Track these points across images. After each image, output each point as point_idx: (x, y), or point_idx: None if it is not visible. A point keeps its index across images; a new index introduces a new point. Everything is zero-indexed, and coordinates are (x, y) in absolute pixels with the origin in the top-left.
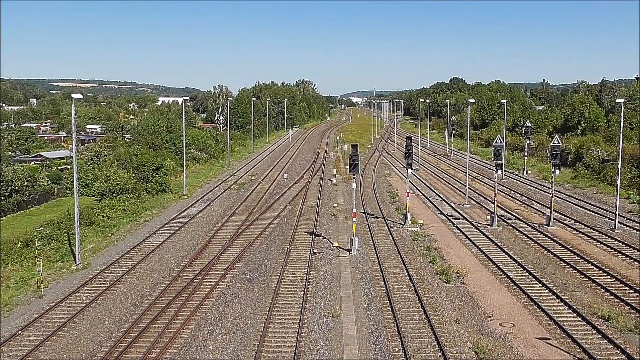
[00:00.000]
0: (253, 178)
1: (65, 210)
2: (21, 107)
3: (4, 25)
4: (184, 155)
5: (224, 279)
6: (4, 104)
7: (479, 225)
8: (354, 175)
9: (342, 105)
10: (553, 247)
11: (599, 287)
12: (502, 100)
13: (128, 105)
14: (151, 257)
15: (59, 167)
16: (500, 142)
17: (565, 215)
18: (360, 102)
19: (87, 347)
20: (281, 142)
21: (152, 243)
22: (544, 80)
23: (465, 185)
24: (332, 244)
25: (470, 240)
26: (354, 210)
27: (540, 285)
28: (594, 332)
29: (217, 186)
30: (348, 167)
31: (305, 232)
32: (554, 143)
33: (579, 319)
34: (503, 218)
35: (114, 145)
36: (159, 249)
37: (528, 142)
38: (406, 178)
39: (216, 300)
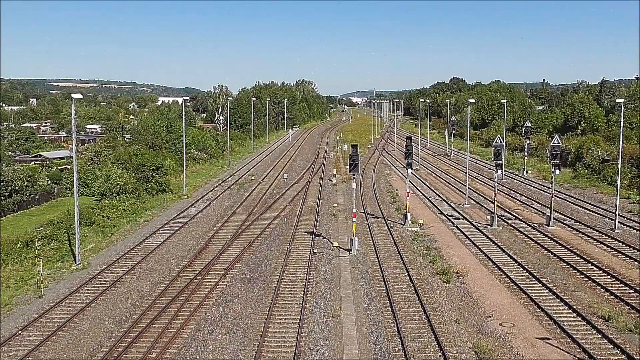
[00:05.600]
0: (253, 178)
1: (65, 210)
2: (21, 107)
3: (4, 25)
4: (184, 155)
5: (224, 279)
6: (4, 104)
7: (479, 225)
8: (354, 175)
9: (344, 106)
10: (553, 247)
11: (599, 287)
12: (502, 100)
13: (128, 105)
14: (151, 257)
15: (59, 167)
16: (500, 142)
17: (565, 215)
18: (360, 102)
19: (87, 347)
20: (281, 142)
21: (152, 243)
22: (544, 80)
23: (465, 185)
24: (332, 244)
25: (470, 240)
26: (354, 210)
27: (540, 285)
28: (594, 332)
29: (217, 186)
30: (348, 167)
31: (305, 232)
32: (554, 143)
33: (579, 319)
34: (503, 218)
35: (114, 145)
36: (159, 249)
37: (528, 142)
38: (406, 178)
39: (216, 300)
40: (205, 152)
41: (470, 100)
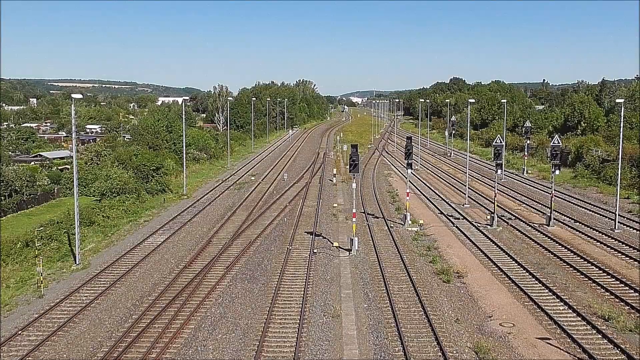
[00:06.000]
0: (253, 178)
1: (65, 210)
2: (21, 107)
3: (4, 25)
4: (184, 155)
5: (224, 279)
6: (4, 104)
7: (479, 225)
8: (354, 175)
9: (344, 106)
10: (553, 247)
11: (599, 287)
12: (502, 100)
13: (128, 105)
14: (151, 257)
15: (59, 167)
16: (500, 142)
17: (565, 215)
18: (360, 102)
19: (87, 347)
20: (281, 142)
21: (152, 243)
22: (544, 80)
23: (465, 185)
24: (332, 244)
25: (470, 240)
26: (354, 210)
27: (540, 285)
28: (594, 332)
29: (217, 186)
30: (348, 167)
31: (305, 232)
32: (554, 143)
33: (579, 319)
34: (503, 218)
35: (114, 145)
36: (159, 249)
37: (528, 142)
38: (406, 178)
39: (216, 300)
40: (205, 152)
41: (470, 100)
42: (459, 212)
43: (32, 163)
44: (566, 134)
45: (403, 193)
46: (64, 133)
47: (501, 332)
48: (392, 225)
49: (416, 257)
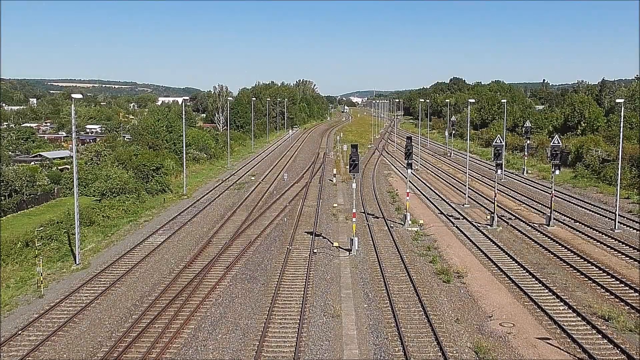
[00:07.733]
0: (253, 178)
1: (65, 210)
2: (21, 107)
3: (4, 25)
4: (184, 155)
5: (224, 279)
6: (4, 104)
7: (479, 225)
8: (353, 175)
9: (344, 106)
10: (553, 247)
11: (599, 287)
12: (502, 100)
13: (128, 105)
14: (151, 257)
15: (59, 167)
16: (500, 142)
17: (565, 215)
18: (360, 102)
19: (87, 347)
20: (281, 142)
21: (152, 243)
22: (544, 80)
23: (465, 185)
24: (332, 244)
25: (470, 240)
26: (354, 210)
27: (540, 285)
28: (594, 332)
29: (217, 186)
30: (348, 167)
31: (305, 232)
32: (554, 143)
33: (579, 319)
34: (503, 218)
35: (114, 145)
36: (159, 249)
37: (528, 142)
38: (406, 178)
39: (216, 300)
40: (205, 152)
41: (470, 100)
42: (459, 212)
43: (32, 163)
44: (566, 134)
45: (403, 193)
46: (64, 133)
47: (501, 332)
48: (392, 225)
49: (416, 257)
